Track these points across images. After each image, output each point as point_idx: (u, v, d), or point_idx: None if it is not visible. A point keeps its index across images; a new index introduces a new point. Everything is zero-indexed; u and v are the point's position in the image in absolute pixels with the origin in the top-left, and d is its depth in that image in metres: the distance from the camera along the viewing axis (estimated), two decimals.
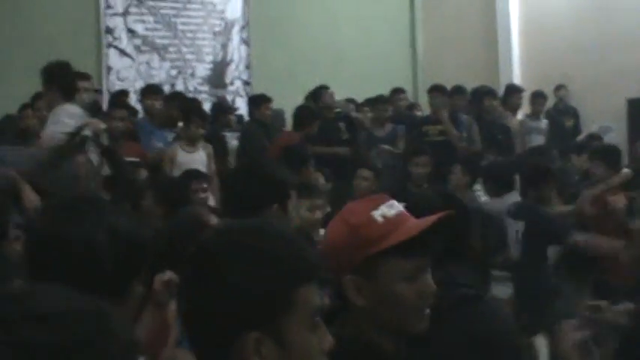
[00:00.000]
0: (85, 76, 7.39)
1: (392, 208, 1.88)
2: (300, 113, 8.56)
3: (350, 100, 10.39)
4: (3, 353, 0.94)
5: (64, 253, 1.70)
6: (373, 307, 1.86)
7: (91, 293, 1.05)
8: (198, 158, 7.34)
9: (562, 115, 11.31)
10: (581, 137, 10.47)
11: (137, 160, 7.07)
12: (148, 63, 11.05)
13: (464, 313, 2.33)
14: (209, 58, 11.61)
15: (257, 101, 9.19)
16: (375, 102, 9.51)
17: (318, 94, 9.19)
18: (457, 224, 2.23)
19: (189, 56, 11.43)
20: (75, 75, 6.71)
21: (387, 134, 9.15)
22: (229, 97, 11.70)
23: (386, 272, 1.85)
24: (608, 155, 6.62)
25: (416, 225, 1.86)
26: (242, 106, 11.67)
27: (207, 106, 10.63)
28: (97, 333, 1.00)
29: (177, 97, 8.83)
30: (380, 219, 1.85)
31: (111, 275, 1.71)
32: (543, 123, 10.59)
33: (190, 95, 11.19)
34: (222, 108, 9.68)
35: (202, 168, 7.00)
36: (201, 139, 7.50)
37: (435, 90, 9.26)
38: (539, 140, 10.41)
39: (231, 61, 11.81)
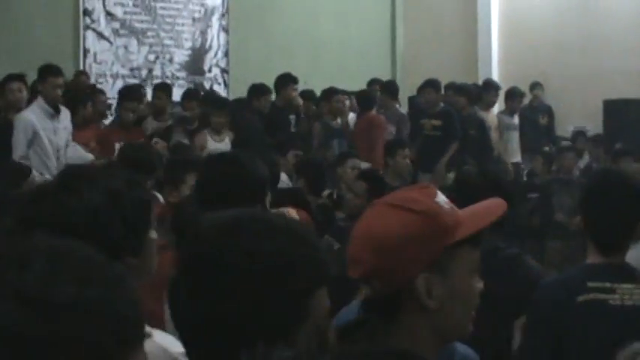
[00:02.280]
0: (17, 77, 7.38)
1: (442, 195, 1.65)
2: None
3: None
4: None
5: (70, 225, 1.64)
6: (440, 310, 1.59)
7: (107, 256, 0.99)
8: (224, 147, 7.51)
9: (536, 113, 11.36)
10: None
11: None
12: (125, 47, 10.94)
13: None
14: (188, 44, 11.52)
15: (258, 91, 9.04)
16: (330, 93, 9.49)
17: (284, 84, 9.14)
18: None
19: (167, 41, 11.33)
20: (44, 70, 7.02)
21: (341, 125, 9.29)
22: (207, 84, 11.63)
23: (461, 265, 1.60)
24: None
25: (491, 212, 1.66)
26: (219, 94, 11.63)
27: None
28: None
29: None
30: (446, 206, 1.61)
31: (122, 235, 1.68)
32: (516, 119, 10.66)
33: (167, 81, 11.17)
34: (193, 95, 9.48)
35: None
36: (224, 127, 7.89)
37: (428, 85, 9.35)
38: (514, 137, 10.50)
39: (210, 48, 11.73)
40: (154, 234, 1.83)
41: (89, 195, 1.69)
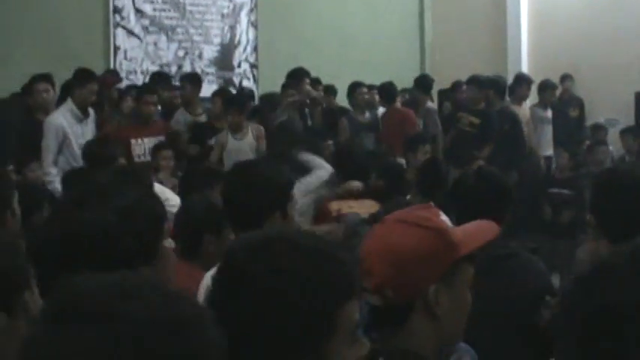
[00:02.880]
0: (43, 77, 7.30)
1: (443, 214, 1.86)
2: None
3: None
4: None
5: (82, 241, 1.73)
6: (444, 318, 1.77)
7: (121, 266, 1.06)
8: (244, 145, 7.59)
9: (567, 106, 11.27)
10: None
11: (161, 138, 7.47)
12: (155, 44, 11.02)
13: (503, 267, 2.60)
14: (217, 40, 11.58)
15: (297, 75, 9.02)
16: (354, 87, 9.48)
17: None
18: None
19: (196, 38, 11.40)
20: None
21: (369, 120, 9.28)
22: (236, 80, 11.68)
23: (462, 279, 1.81)
24: None
25: (488, 231, 1.88)
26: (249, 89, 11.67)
27: (213, 88, 10.65)
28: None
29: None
30: (450, 224, 1.82)
31: (134, 248, 1.75)
32: (549, 113, 10.56)
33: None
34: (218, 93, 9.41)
35: (250, 154, 7.30)
36: (243, 126, 7.78)
37: (471, 82, 9.30)
38: (548, 130, 10.39)
39: (239, 43, 11.77)
40: (169, 242, 1.90)
41: (100, 212, 1.77)
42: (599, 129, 10.61)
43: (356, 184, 5.67)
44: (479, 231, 1.87)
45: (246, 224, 2.63)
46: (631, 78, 11.31)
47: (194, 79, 9.13)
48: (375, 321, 1.77)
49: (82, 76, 7.11)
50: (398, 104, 9.53)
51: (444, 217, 1.82)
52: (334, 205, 5.50)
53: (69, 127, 6.80)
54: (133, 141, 7.32)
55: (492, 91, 9.23)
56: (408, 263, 1.74)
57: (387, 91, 9.50)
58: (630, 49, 11.47)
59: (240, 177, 2.94)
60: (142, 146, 7.37)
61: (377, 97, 9.67)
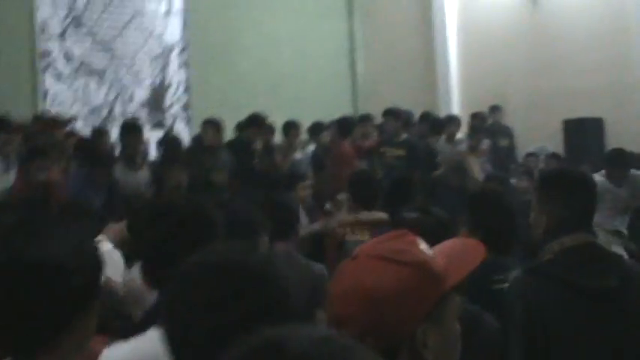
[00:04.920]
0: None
1: (422, 241, 1.64)
2: None
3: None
4: None
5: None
6: (435, 359, 1.57)
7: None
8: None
9: (497, 135, 11.46)
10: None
11: None
12: (85, 87, 10.90)
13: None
14: (147, 81, 11.51)
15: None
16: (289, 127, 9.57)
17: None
18: None
19: (127, 80, 11.31)
20: None
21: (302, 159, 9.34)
22: (168, 121, 11.60)
23: (450, 313, 1.60)
24: None
25: (474, 254, 1.67)
26: (181, 130, 11.59)
27: (146, 132, 10.52)
28: None
29: None
30: (430, 253, 1.60)
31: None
32: (484, 143, 10.67)
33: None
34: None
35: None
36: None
37: (389, 114, 9.36)
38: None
39: (170, 84, 11.72)
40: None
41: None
42: (530, 157, 10.80)
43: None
44: (464, 255, 1.67)
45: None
46: (558, 106, 11.58)
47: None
48: None
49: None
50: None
51: (422, 246, 1.61)
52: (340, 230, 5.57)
53: None
54: None
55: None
56: (390, 306, 1.51)
57: (317, 129, 9.59)
58: (556, 78, 11.75)
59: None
60: None
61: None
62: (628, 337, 2.75)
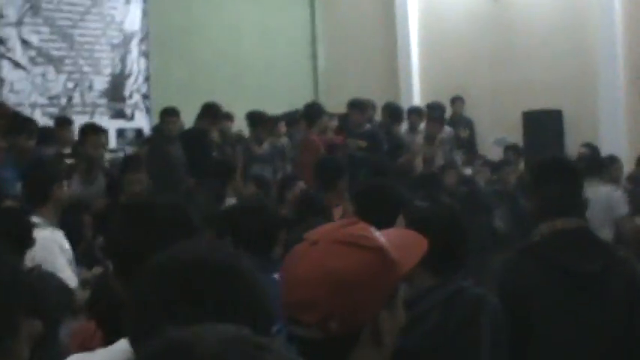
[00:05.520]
0: None
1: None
2: None
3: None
4: None
5: None
6: (387, 344, 1.60)
7: None
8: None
9: (457, 126, 11.52)
10: None
11: None
12: (43, 75, 10.75)
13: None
14: (107, 70, 11.38)
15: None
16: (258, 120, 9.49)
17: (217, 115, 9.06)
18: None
19: (86, 69, 11.17)
20: None
21: (265, 152, 9.19)
22: (128, 111, 11.49)
23: (398, 300, 1.63)
24: None
25: (419, 244, 1.72)
26: (141, 120, 11.50)
27: (104, 120, 10.44)
28: None
29: None
30: (384, 239, 1.63)
31: None
32: (445, 131, 10.71)
33: (88, 109, 11.00)
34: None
35: None
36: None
37: (355, 106, 9.32)
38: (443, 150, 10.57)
39: (130, 73, 11.60)
40: None
41: None
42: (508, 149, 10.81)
43: None
44: (411, 245, 1.71)
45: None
46: (518, 98, 11.67)
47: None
48: (310, 357, 1.53)
49: None
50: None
51: (377, 233, 1.64)
52: None
53: None
54: None
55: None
56: (355, 290, 1.53)
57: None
58: (517, 69, 11.85)
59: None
60: None
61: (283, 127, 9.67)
62: (607, 320, 2.86)
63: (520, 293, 2.85)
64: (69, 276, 4.51)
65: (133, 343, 1.53)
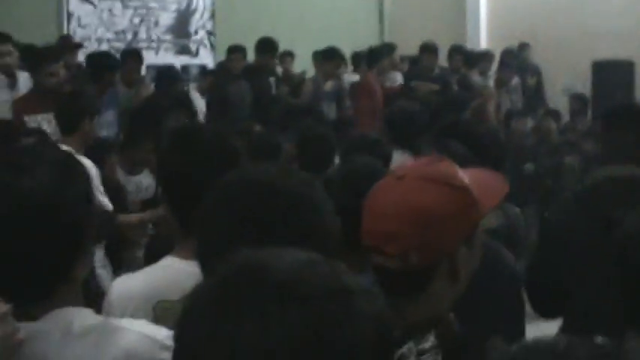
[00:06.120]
0: (2, 39, 6.62)
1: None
2: None
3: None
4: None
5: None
6: (463, 280, 1.67)
7: None
8: None
9: (525, 73, 11.31)
10: None
11: None
12: (110, 10, 10.82)
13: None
14: (173, 6, 11.39)
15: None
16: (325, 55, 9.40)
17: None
18: None
19: (152, 4, 11.20)
20: None
21: (332, 90, 9.08)
22: (193, 47, 11.52)
23: (477, 238, 1.69)
24: None
25: (500, 185, 1.78)
26: (206, 56, 11.52)
27: (169, 56, 10.53)
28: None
29: None
30: (467, 179, 1.68)
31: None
32: (514, 80, 10.56)
33: (153, 44, 11.06)
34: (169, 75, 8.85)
35: None
36: None
37: (427, 49, 9.20)
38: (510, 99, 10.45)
39: (196, 10, 11.61)
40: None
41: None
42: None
43: None
44: (492, 186, 1.76)
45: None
46: (588, 47, 11.38)
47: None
48: (389, 288, 1.58)
49: None
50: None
51: (461, 172, 1.69)
52: None
53: None
54: (26, 118, 6.11)
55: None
56: (437, 225, 1.59)
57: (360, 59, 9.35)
58: (587, 18, 11.53)
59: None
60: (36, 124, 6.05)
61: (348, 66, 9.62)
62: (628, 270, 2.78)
63: (560, 240, 2.87)
64: (104, 201, 4.62)
65: (203, 263, 1.56)
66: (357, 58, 9.89)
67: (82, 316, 1.54)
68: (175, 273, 2.03)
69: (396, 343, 1.49)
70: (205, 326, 0.94)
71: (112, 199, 4.81)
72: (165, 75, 8.78)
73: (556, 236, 2.85)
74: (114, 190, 5.11)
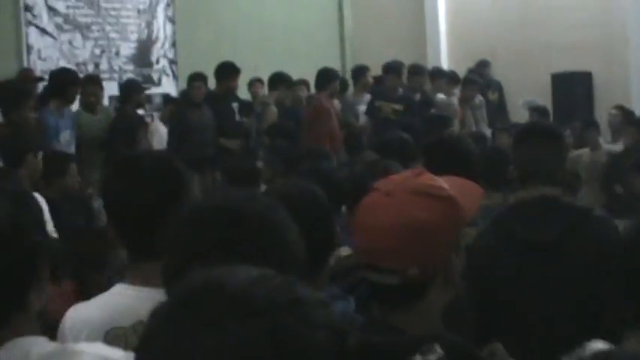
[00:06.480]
0: None
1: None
2: None
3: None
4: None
5: None
6: (455, 283, 1.75)
7: None
8: None
9: (486, 89, 11.44)
10: None
11: None
12: (70, 42, 10.77)
13: None
14: (134, 36, 11.38)
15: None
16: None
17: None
18: None
19: (113, 35, 11.17)
20: None
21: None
22: (155, 76, 11.51)
23: (461, 242, 1.81)
24: None
25: (477, 193, 1.89)
26: (168, 85, 11.51)
27: None
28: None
29: None
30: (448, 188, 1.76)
31: None
32: (477, 98, 10.67)
33: (115, 75, 11.02)
34: (133, 86, 9.09)
35: None
36: None
37: (391, 70, 9.29)
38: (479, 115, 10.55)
39: (157, 39, 11.60)
40: None
41: None
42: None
43: None
44: (470, 192, 1.84)
45: None
46: (547, 59, 11.54)
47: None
48: (384, 301, 1.69)
49: None
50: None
51: (444, 183, 1.76)
52: None
53: None
54: None
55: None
56: (433, 237, 1.66)
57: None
58: (545, 30, 11.70)
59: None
60: None
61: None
62: (562, 287, 2.77)
63: (483, 265, 2.84)
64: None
65: (165, 284, 1.57)
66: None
67: (39, 345, 1.54)
68: (127, 300, 2.07)
69: (401, 356, 1.54)
70: (165, 343, 0.96)
71: (77, 211, 4.84)
72: (128, 86, 8.96)
73: (480, 264, 2.83)
74: (80, 201, 5.14)
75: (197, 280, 1.02)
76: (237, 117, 9.29)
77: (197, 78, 9.03)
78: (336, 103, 9.51)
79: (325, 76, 8.97)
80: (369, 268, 1.67)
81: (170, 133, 8.70)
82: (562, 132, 3.28)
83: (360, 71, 10.20)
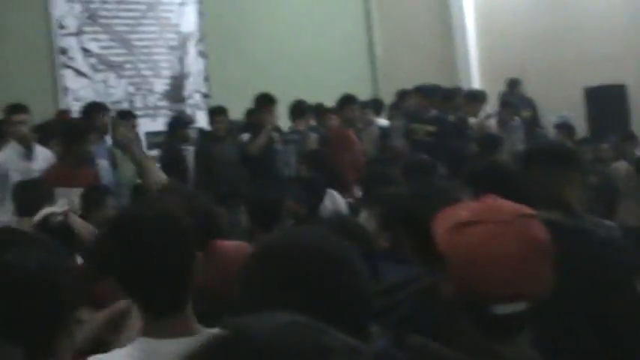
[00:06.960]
0: (17, 109, 6.86)
1: None
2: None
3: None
4: None
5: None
6: None
7: None
8: None
9: (519, 109, 11.35)
10: None
11: None
12: (104, 81, 10.94)
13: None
14: (166, 72, 11.53)
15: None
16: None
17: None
18: None
19: (146, 72, 11.34)
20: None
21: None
22: (189, 111, 11.63)
23: None
24: None
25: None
26: (202, 119, 11.62)
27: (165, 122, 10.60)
28: None
29: None
30: None
31: None
32: (515, 120, 10.60)
33: (150, 112, 11.16)
34: (179, 122, 9.46)
35: None
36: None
37: (418, 91, 9.35)
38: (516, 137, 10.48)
39: (189, 74, 11.74)
40: None
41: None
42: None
43: None
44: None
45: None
46: (578, 74, 11.46)
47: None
48: (496, 333, 1.66)
49: (8, 110, 6.83)
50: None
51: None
52: None
53: (11, 164, 6.54)
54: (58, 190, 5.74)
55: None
56: (550, 256, 1.69)
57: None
58: (575, 45, 11.63)
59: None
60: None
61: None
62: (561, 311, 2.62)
63: None
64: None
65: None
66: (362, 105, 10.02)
67: None
68: (153, 353, 2.01)
69: None
70: None
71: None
72: (177, 121, 9.22)
73: None
74: None
75: (225, 329, 1.02)
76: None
77: (219, 112, 8.99)
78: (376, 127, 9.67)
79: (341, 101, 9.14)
80: (488, 299, 1.63)
81: (196, 169, 8.71)
82: (570, 152, 3.10)
83: (402, 95, 10.35)
